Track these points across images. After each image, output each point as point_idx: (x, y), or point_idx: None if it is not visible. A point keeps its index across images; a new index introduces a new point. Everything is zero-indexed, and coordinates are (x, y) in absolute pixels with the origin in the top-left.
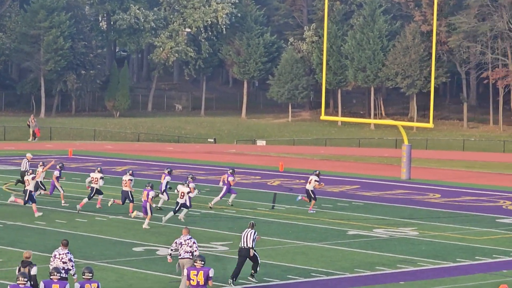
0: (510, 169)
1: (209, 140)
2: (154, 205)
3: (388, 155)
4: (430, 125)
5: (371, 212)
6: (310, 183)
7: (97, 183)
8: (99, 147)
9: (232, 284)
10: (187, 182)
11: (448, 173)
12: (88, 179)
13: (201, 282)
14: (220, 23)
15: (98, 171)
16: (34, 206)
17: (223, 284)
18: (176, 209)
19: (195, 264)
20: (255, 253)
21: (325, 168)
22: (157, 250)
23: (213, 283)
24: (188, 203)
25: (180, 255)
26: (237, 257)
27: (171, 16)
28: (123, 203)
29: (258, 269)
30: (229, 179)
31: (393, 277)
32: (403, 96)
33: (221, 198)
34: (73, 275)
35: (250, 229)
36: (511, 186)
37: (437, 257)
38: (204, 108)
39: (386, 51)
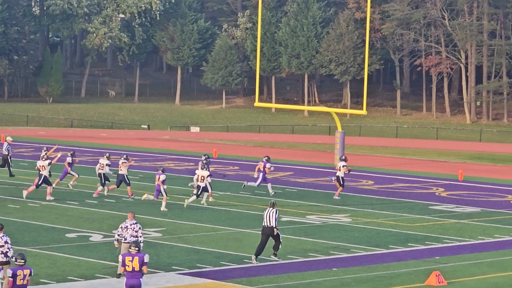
0: (443, 156)
1: (142, 126)
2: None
3: (321, 141)
4: (364, 112)
5: (304, 198)
6: (340, 170)
7: (102, 169)
8: (32, 133)
9: (255, 261)
10: (204, 165)
11: (381, 160)
12: (97, 166)
13: (136, 268)
14: (154, 9)
15: (106, 157)
16: (49, 188)
17: (157, 270)
18: (198, 193)
19: (129, 250)
20: (278, 232)
21: (259, 155)
22: (90, 236)
23: (147, 269)
24: (209, 187)
25: (125, 239)
26: (260, 235)
27: (105, 1)
28: (118, 186)
29: (280, 247)
30: (266, 166)
31: (326, 264)
32: (337, 83)
33: (258, 186)
34: (12, 257)
35: (271, 208)
36: (444, 173)
37: (370, 243)
38: (137, 94)
39: (320, 38)
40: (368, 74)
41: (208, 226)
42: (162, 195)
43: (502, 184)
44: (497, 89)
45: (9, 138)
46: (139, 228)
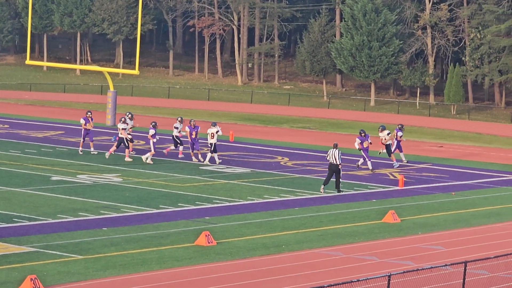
0: (214, 117)
1: None
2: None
3: (93, 101)
4: (136, 72)
5: (75, 158)
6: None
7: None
8: None
9: (323, 190)
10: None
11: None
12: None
13: None
14: None
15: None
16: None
17: None
18: (212, 149)
19: None
20: (340, 168)
21: (30, 113)
22: None
23: None
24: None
25: None
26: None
27: None
28: (117, 147)
29: (340, 183)
30: (398, 134)
31: (96, 223)
32: (110, 43)
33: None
34: None
35: (334, 149)
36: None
37: (140, 203)
38: None
39: None
40: (141, 34)
41: None
42: None
43: (271, 145)
44: (268, 51)
45: None
46: None
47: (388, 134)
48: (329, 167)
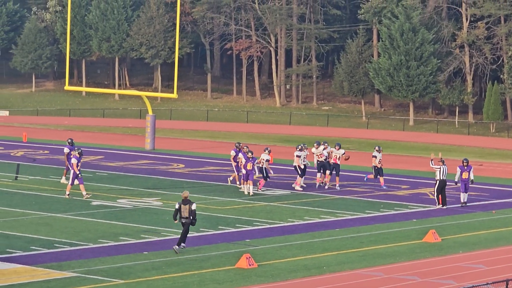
0: (253, 139)
1: None
2: None
3: (132, 125)
4: (174, 95)
5: (115, 182)
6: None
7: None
8: None
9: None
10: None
11: (192, 143)
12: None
13: None
14: None
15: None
16: None
17: None
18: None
19: None
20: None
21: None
22: None
23: None
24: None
25: None
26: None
27: None
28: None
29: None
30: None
31: (137, 248)
32: (148, 67)
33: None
34: None
35: (444, 165)
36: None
37: (180, 227)
38: None
39: (131, 21)
40: (178, 57)
41: (18, 211)
42: None
43: (311, 166)
44: (306, 72)
45: None
46: None
47: (323, 149)
48: (439, 183)
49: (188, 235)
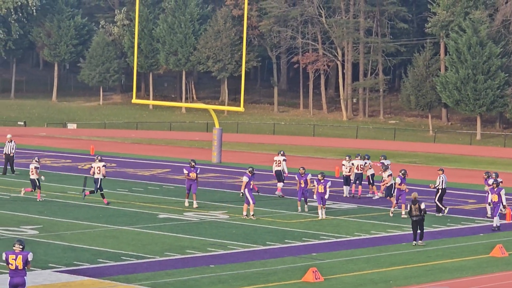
0: (320, 152)
1: (19, 123)
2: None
3: (199, 138)
4: (241, 109)
5: (182, 195)
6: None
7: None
8: None
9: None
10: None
11: (258, 157)
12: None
13: (20, 267)
14: (30, 4)
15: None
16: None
17: (33, 268)
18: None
19: (13, 248)
20: None
21: (136, 152)
22: None
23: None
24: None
25: None
26: None
27: None
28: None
29: None
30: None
31: (204, 261)
32: (215, 80)
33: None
34: None
35: (443, 174)
36: (320, 169)
37: (247, 240)
38: (14, 91)
39: (198, 35)
40: (245, 71)
41: (85, 223)
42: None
43: (377, 180)
44: (373, 86)
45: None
46: None
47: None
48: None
49: (254, 249)
